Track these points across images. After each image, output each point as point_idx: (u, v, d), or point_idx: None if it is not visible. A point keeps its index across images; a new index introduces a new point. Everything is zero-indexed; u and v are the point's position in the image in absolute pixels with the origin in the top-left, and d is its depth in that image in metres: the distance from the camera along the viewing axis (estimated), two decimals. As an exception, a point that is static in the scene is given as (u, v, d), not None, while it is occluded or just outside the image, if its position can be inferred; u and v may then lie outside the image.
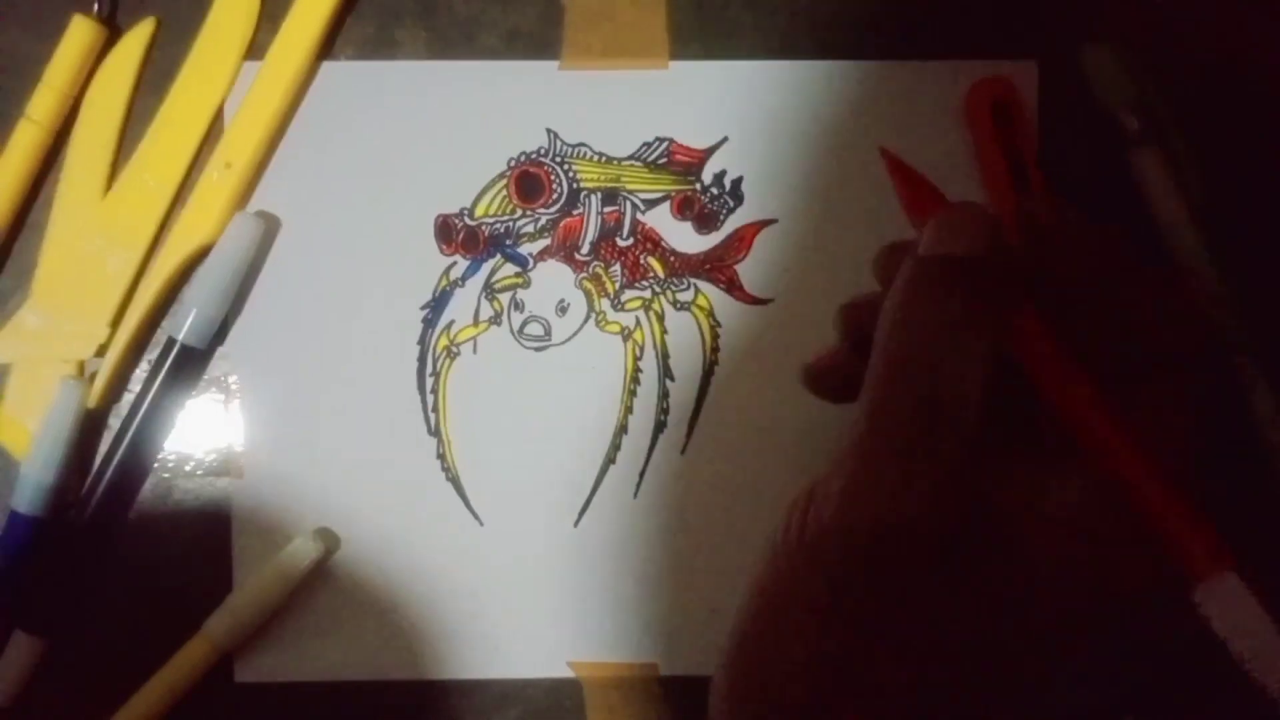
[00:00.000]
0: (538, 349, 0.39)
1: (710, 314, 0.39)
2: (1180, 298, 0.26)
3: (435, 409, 0.39)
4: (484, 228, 0.39)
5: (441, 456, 0.39)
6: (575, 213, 0.39)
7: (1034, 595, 0.23)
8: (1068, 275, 0.25)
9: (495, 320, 0.39)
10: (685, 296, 0.39)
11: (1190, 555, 0.23)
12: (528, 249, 0.39)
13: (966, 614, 0.23)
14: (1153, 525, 0.24)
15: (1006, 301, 0.24)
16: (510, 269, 0.39)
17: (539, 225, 0.39)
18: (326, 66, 0.39)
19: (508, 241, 0.39)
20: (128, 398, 0.39)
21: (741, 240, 0.39)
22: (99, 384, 0.38)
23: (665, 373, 0.39)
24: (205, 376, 0.39)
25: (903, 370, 0.24)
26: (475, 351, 0.39)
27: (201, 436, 0.39)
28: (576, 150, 0.39)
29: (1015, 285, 0.24)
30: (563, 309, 0.39)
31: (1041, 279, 0.25)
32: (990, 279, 0.24)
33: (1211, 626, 0.23)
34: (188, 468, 0.39)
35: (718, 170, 0.39)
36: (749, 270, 0.39)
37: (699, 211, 0.39)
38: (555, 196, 0.39)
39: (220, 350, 0.39)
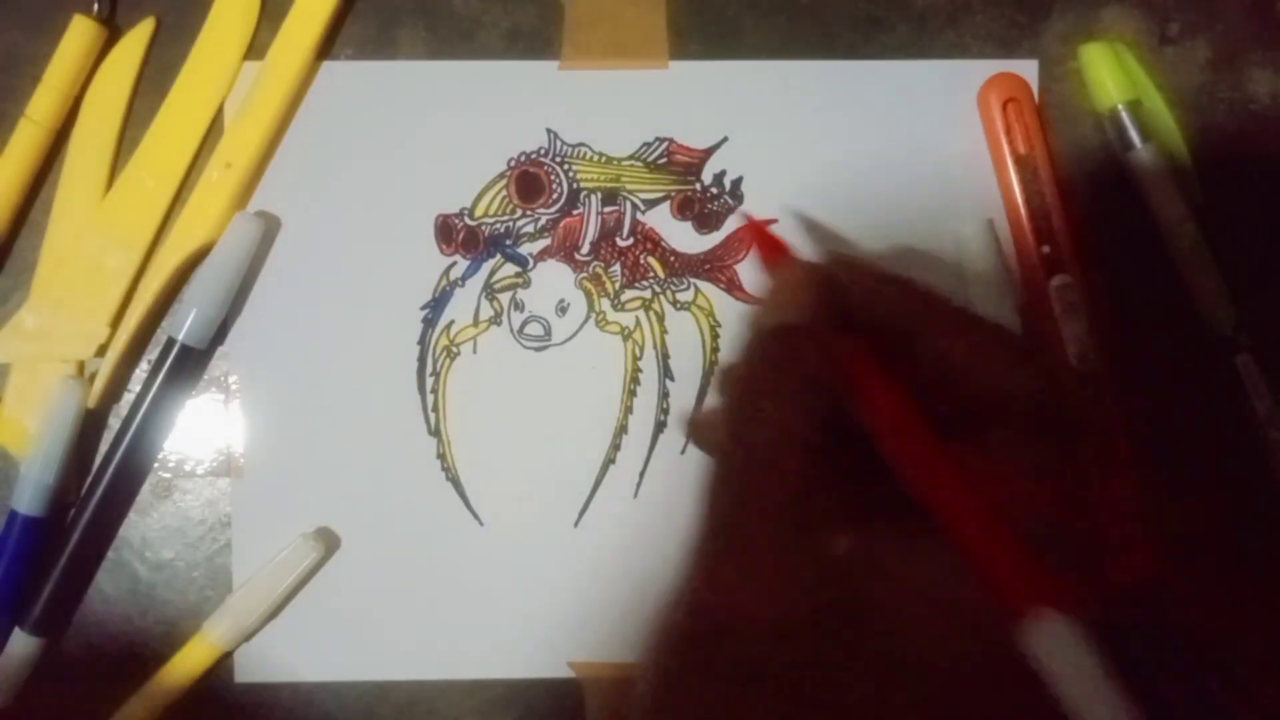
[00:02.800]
0: (538, 349, 0.39)
1: (710, 314, 0.39)
2: (1004, 347, 0.26)
3: (435, 409, 0.39)
4: (484, 228, 0.39)
5: (441, 456, 0.39)
6: (575, 213, 0.39)
7: (918, 654, 0.23)
8: (873, 326, 0.25)
9: (495, 320, 0.39)
10: (685, 296, 0.39)
11: (1011, 593, 0.23)
12: (528, 249, 0.39)
13: (858, 676, 0.23)
14: (975, 565, 0.23)
15: (821, 364, 0.25)
16: (510, 269, 0.39)
17: (539, 225, 0.39)
18: (326, 66, 0.39)
19: (508, 241, 0.39)
20: (128, 398, 0.39)
21: (741, 240, 0.39)
22: (99, 384, 0.38)
23: (665, 373, 0.39)
24: (205, 376, 0.39)
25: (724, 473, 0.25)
26: (475, 351, 0.39)
27: (201, 436, 0.39)
28: (576, 150, 0.39)
29: (824, 348, 0.25)
30: (563, 309, 0.39)
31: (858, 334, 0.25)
32: (807, 345, 0.25)
33: (1041, 666, 0.22)
34: (188, 468, 0.39)
35: (718, 170, 0.39)
36: (749, 270, 0.39)
37: (699, 211, 0.39)
38: (555, 196, 0.39)
39: (220, 350, 0.39)
